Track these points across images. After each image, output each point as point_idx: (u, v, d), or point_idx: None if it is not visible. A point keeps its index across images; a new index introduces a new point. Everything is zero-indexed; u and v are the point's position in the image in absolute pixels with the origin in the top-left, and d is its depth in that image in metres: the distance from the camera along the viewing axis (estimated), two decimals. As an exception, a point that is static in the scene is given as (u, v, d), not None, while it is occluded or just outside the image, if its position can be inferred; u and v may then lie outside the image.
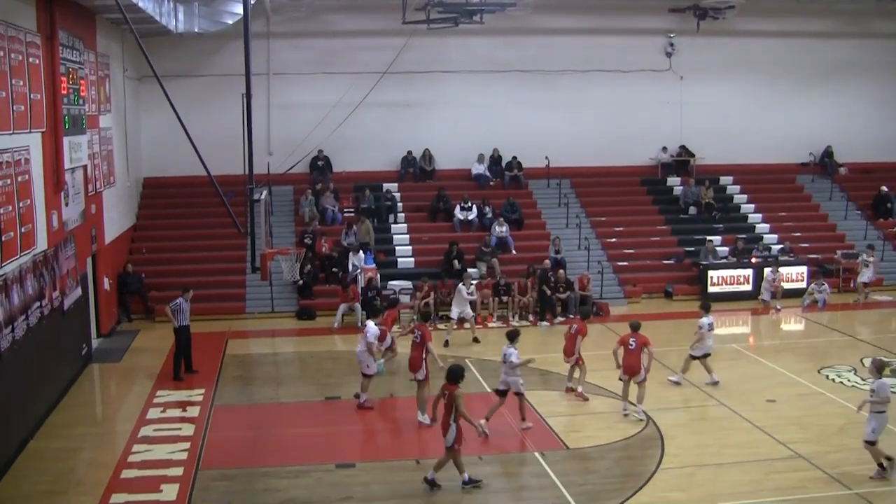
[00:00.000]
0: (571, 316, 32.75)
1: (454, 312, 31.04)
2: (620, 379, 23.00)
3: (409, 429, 22.78)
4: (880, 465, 18.71)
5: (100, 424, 23.51)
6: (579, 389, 24.20)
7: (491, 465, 19.77)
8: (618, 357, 23.03)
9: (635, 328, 23.28)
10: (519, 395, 21.97)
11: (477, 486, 18.36)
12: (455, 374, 18.61)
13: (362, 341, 23.79)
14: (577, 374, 24.46)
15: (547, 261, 35.14)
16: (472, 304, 31.80)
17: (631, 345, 22.81)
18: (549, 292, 33.71)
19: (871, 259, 36.54)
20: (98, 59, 30.35)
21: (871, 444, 18.79)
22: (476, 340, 30.34)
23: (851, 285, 37.38)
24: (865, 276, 36.32)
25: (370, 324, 24.07)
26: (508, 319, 33.28)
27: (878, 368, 19.08)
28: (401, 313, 32.18)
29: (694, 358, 25.54)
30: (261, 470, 19.50)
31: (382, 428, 23.03)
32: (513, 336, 22.44)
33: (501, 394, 21.96)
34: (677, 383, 25.40)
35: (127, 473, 19.44)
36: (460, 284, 31.44)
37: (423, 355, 22.65)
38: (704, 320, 25.47)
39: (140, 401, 24.35)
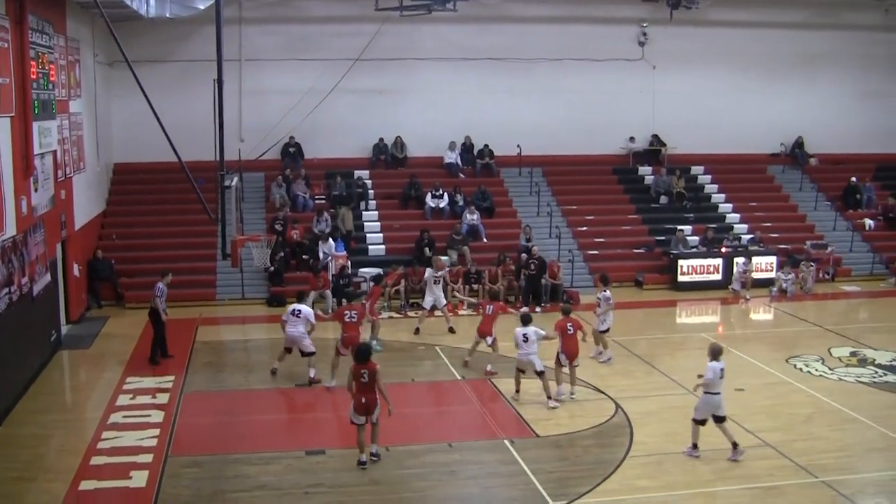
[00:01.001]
0: (544, 305, 33.02)
1: (427, 302, 30.92)
2: (562, 364, 23.35)
3: (379, 416, 22.82)
4: (694, 444, 19.43)
5: (69, 411, 23.45)
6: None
7: (460, 452, 19.83)
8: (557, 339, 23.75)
9: (567, 312, 24.02)
10: (540, 373, 22.79)
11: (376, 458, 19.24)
12: (364, 354, 19.20)
13: (296, 324, 24.72)
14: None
15: (535, 248, 35.13)
16: (444, 290, 31.71)
17: (569, 330, 23.34)
18: (530, 272, 33.93)
19: (790, 276, 36.50)
20: (68, 44, 30.18)
21: (694, 421, 19.45)
22: (452, 331, 30.25)
23: (821, 276, 37.62)
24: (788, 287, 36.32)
25: (304, 307, 25.05)
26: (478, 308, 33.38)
27: (712, 352, 19.47)
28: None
29: (602, 332, 26.58)
30: (231, 457, 19.50)
31: (353, 415, 23.06)
32: (526, 320, 23.42)
33: (522, 371, 23.23)
34: (609, 359, 26.55)
35: (96, 460, 19.38)
36: (428, 270, 31.40)
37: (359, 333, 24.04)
38: (607, 293, 26.59)
39: (110, 387, 24.27)
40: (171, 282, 27.05)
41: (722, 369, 19.15)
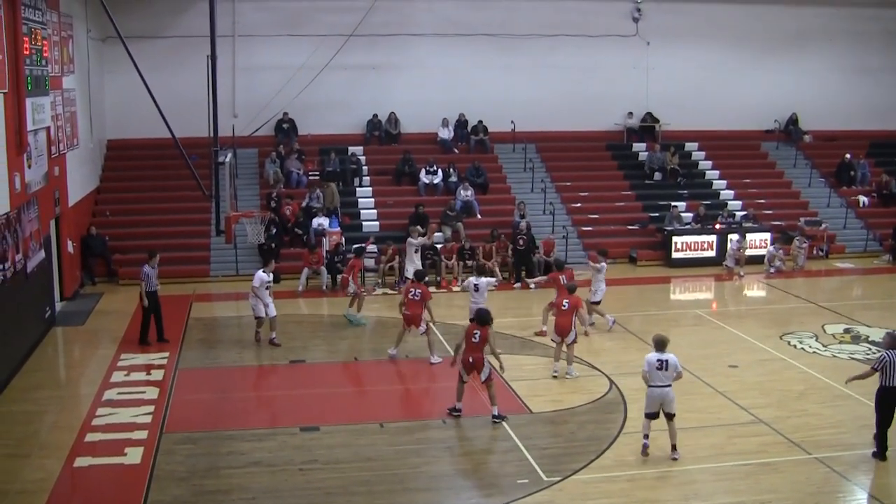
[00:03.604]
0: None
1: (409, 271, 30.95)
2: (553, 340, 23.53)
3: (374, 392, 22.91)
4: (645, 434, 18.61)
5: (63, 387, 23.45)
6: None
7: (454, 428, 19.89)
8: (546, 316, 24.75)
9: (572, 291, 23.97)
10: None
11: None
12: (483, 317, 20.47)
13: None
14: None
15: (524, 222, 35.30)
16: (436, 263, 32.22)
17: (564, 306, 23.40)
18: (518, 247, 34.14)
19: (780, 251, 36.60)
20: (61, 20, 30.05)
21: (645, 415, 18.57)
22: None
23: (815, 252, 37.68)
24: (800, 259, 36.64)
25: (259, 272, 26.12)
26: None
27: (653, 342, 18.64)
28: (365, 277, 32.37)
29: (595, 303, 27.17)
30: (225, 433, 19.50)
31: (347, 391, 23.10)
32: (481, 271, 27.17)
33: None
34: (614, 322, 27.26)
35: (91, 437, 19.39)
36: (409, 238, 31.45)
37: (422, 311, 24.23)
38: (603, 264, 27.39)
39: (104, 364, 24.28)
40: (159, 261, 26.55)
41: (661, 360, 18.27)
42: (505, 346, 25.03)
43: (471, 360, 20.09)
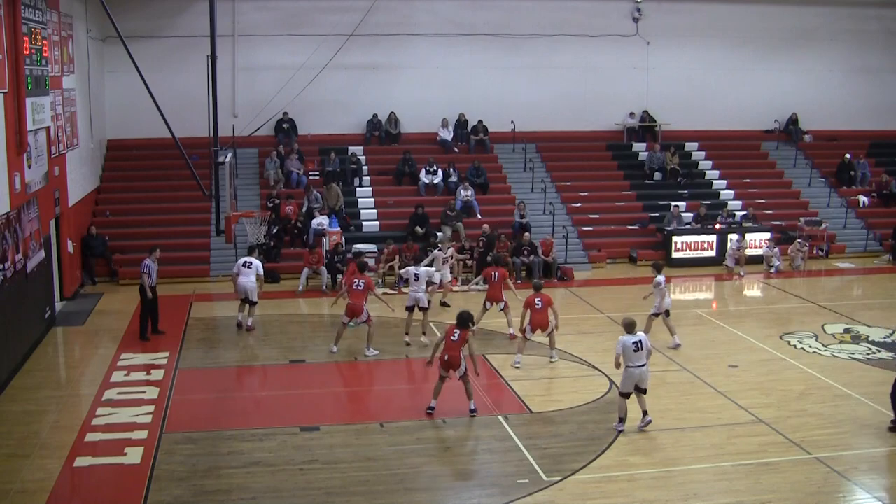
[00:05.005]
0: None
1: (436, 277, 30.76)
2: (526, 337, 23.88)
3: (374, 392, 22.92)
4: (620, 418, 19.57)
5: (64, 387, 23.39)
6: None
7: (454, 428, 19.88)
8: (525, 317, 24.06)
9: (538, 288, 24.51)
10: (424, 309, 26.28)
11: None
12: (465, 320, 20.68)
13: (248, 274, 26.92)
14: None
15: (486, 226, 35.56)
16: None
17: (537, 304, 23.87)
18: (479, 249, 34.56)
19: (775, 251, 36.64)
20: (61, 19, 30.05)
21: (620, 395, 19.74)
22: (445, 305, 30.42)
23: (815, 252, 37.68)
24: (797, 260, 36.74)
25: (255, 260, 27.28)
26: (472, 284, 33.28)
27: (623, 325, 19.78)
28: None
29: (656, 315, 26.20)
30: (225, 433, 19.49)
31: (347, 391, 23.09)
32: (419, 261, 29.26)
33: (409, 309, 26.22)
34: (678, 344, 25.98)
35: (91, 436, 19.38)
36: (436, 251, 31.34)
37: (365, 302, 25.09)
38: (660, 278, 26.27)
39: (104, 364, 24.27)
40: (159, 257, 26.89)
41: (636, 342, 19.25)
42: (505, 346, 25.05)
43: (447, 357, 20.41)
